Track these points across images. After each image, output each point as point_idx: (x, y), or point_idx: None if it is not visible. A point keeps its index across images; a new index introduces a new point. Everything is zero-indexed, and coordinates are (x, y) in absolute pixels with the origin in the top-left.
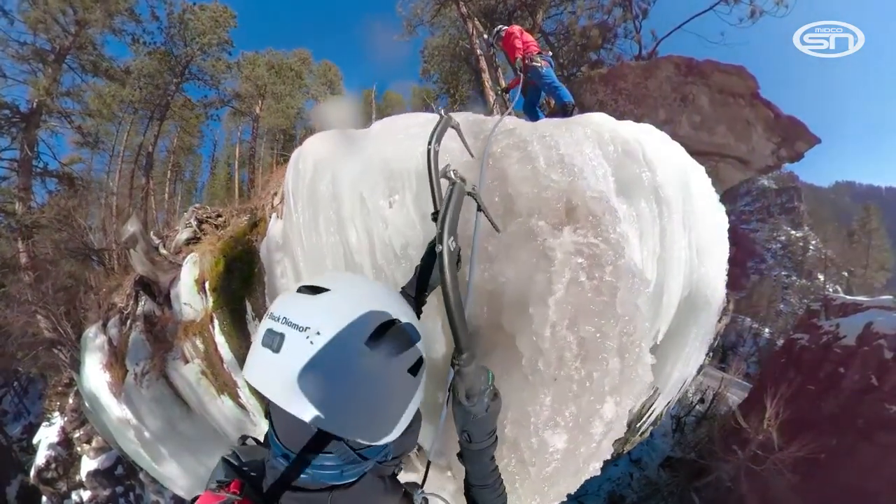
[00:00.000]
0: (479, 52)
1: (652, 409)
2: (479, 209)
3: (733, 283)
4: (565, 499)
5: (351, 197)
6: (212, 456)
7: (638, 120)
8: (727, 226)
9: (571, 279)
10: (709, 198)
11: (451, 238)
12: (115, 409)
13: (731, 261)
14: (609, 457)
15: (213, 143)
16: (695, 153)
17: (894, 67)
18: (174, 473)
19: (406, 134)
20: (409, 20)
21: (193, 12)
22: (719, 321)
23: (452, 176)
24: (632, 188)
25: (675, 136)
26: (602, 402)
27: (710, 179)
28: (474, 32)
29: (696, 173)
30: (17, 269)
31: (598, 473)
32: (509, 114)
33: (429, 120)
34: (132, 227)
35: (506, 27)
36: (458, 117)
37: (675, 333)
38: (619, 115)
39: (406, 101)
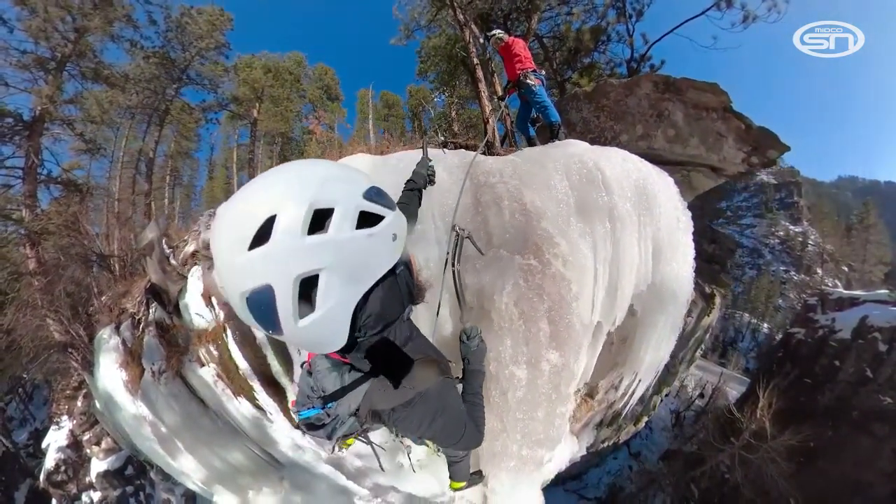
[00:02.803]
0: (475, 60)
1: (632, 391)
2: (473, 243)
3: (715, 279)
4: (546, 456)
5: None
6: (228, 449)
7: (617, 135)
8: (692, 228)
9: (514, 283)
10: (671, 206)
11: (459, 262)
12: (131, 407)
13: (710, 258)
14: (573, 405)
15: (210, 147)
16: (668, 163)
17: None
18: (190, 467)
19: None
20: (406, 24)
21: (190, 16)
22: (707, 316)
23: (458, 230)
24: (589, 210)
25: (650, 149)
26: (544, 349)
27: (679, 189)
28: (471, 40)
29: (659, 186)
30: (25, 274)
31: (572, 440)
32: (501, 119)
33: (439, 158)
34: (151, 233)
35: (506, 36)
36: (453, 154)
37: (645, 323)
38: (601, 131)
39: (403, 102)
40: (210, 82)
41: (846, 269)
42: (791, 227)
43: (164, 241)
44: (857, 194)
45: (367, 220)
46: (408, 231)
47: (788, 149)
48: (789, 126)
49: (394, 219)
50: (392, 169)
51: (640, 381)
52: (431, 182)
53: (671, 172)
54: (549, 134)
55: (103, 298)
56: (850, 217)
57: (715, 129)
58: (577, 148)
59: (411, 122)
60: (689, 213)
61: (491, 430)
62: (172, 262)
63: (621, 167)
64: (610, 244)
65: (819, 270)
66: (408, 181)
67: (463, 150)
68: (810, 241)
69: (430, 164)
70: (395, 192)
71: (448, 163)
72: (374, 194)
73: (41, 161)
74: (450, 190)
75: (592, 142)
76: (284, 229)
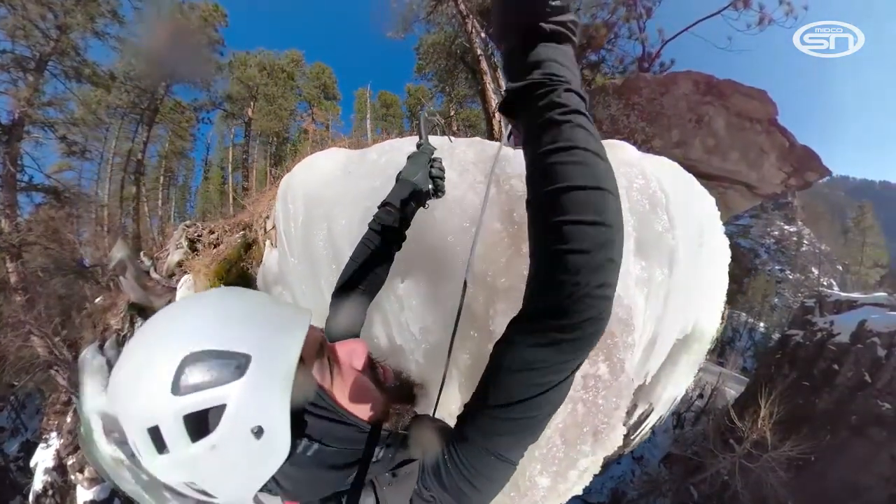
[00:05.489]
0: (478, 52)
1: (646, 423)
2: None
3: (731, 298)
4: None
5: None
6: None
7: (649, 139)
8: (728, 259)
9: (572, 410)
10: (718, 241)
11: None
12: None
13: (730, 278)
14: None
15: (205, 147)
16: (704, 177)
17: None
18: None
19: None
20: (404, 17)
21: (182, 12)
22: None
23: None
24: (651, 249)
25: (686, 159)
26: (580, 459)
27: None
28: (473, 31)
29: (711, 215)
30: (7, 289)
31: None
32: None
33: (444, 149)
34: (119, 252)
35: None
36: (466, 145)
37: (667, 361)
38: (631, 133)
39: (402, 101)
40: (202, 80)
41: (840, 268)
42: (785, 226)
43: (140, 256)
44: (850, 194)
45: (201, 416)
46: (361, 322)
47: (830, 173)
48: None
49: (241, 405)
50: (370, 169)
51: (653, 410)
52: (437, 193)
53: (708, 189)
54: None
55: (87, 308)
56: (845, 218)
57: (758, 143)
58: (627, 154)
59: (409, 122)
60: (727, 241)
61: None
62: (154, 275)
63: (684, 188)
64: (662, 294)
65: (815, 270)
66: (382, 204)
67: (477, 139)
68: (805, 241)
69: (435, 155)
70: (364, 205)
71: (458, 157)
72: (191, 381)
73: (20, 167)
74: (464, 199)
75: None
76: (141, 453)
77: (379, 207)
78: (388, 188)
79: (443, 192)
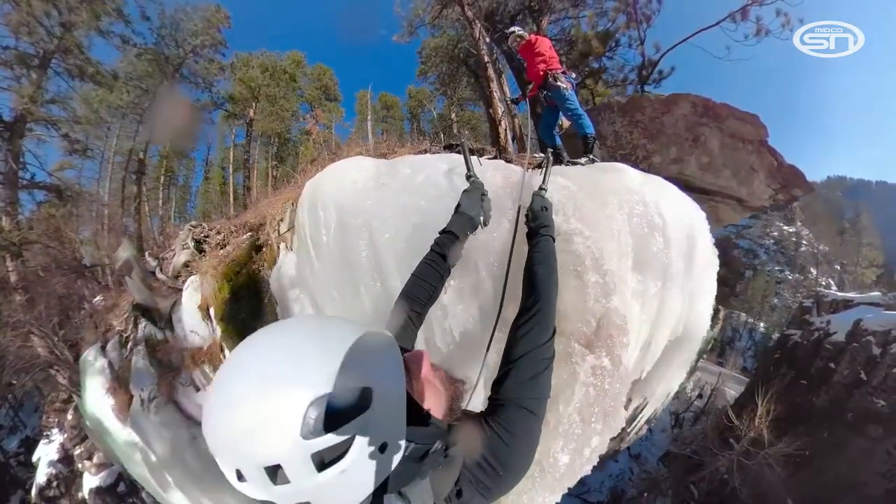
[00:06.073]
0: (485, 59)
1: (641, 415)
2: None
3: (724, 301)
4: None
5: (400, 270)
6: (217, 491)
7: (649, 155)
8: (717, 267)
9: (585, 392)
10: (708, 253)
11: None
12: (122, 433)
13: (722, 282)
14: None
15: (206, 147)
16: (698, 191)
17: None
18: (179, 502)
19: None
20: (409, 21)
21: (185, 12)
22: (711, 330)
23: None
24: (645, 265)
25: (681, 175)
26: (593, 437)
27: (708, 225)
28: (480, 37)
29: (701, 231)
30: (7, 289)
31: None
32: (516, 115)
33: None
34: (125, 252)
35: (527, 34)
36: (493, 168)
37: (661, 359)
38: (633, 149)
39: (402, 103)
40: (204, 81)
41: (838, 267)
42: (785, 227)
43: (145, 256)
44: (846, 194)
45: (331, 450)
46: (411, 332)
47: (813, 190)
48: (778, 124)
49: (369, 432)
50: (405, 184)
51: (648, 404)
52: (485, 223)
53: (699, 203)
54: (583, 148)
55: (87, 308)
56: (842, 217)
57: (749, 162)
58: (630, 179)
59: (410, 124)
60: (717, 251)
61: (517, 489)
62: (160, 276)
63: (679, 211)
64: (656, 303)
65: (813, 270)
66: (443, 232)
67: (501, 163)
68: (804, 242)
69: (485, 192)
70: (410, 222)
71: (488, 180)
72: (320, 424)
73: (22, 164)
74: (500, 224)
75: (623, 159)
76: (251, 480)
77: (441, 233)
78: (433, 208)
79: (487, 223)
